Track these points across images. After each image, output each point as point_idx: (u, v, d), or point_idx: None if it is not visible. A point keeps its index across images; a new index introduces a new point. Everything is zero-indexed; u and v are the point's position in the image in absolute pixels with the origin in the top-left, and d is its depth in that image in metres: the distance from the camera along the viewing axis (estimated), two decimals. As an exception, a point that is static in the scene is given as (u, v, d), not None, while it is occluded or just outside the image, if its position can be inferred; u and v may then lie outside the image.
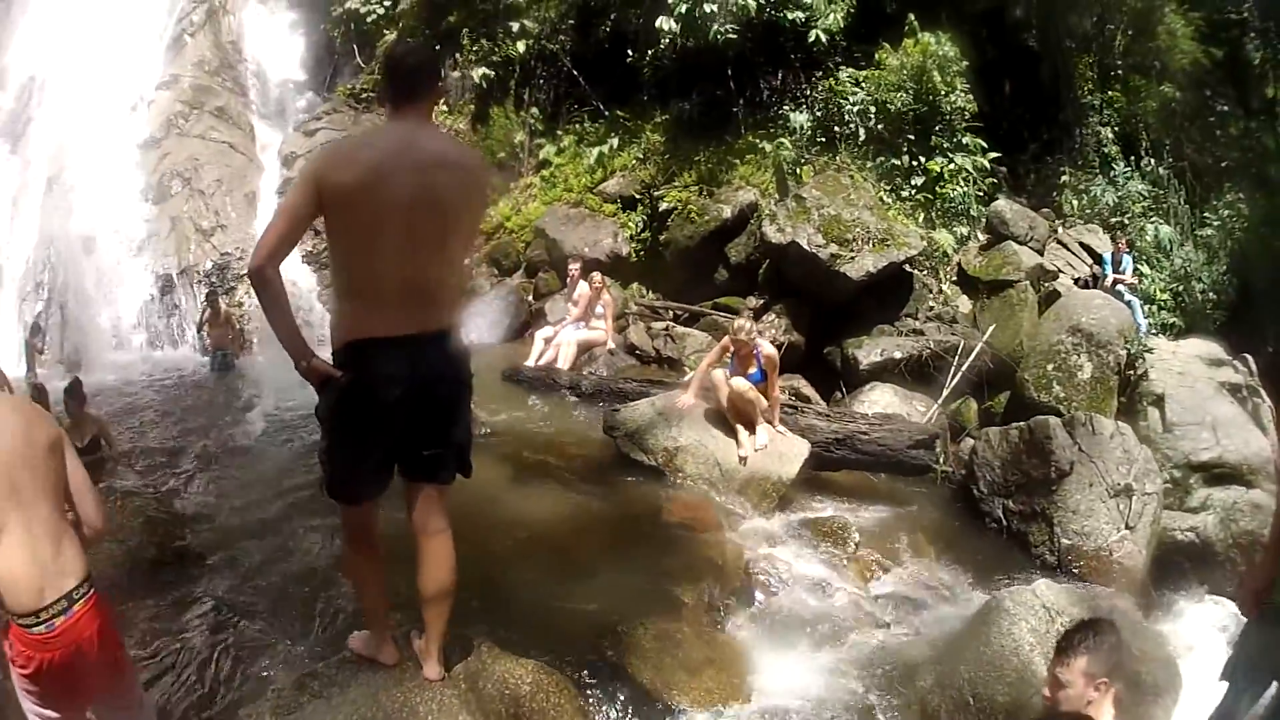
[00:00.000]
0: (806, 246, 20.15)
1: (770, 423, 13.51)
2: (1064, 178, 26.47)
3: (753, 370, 13.22)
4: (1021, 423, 13.91)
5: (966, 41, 23.88)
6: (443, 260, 6.12)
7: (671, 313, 22.51)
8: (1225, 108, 28.91)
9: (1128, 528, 12.51)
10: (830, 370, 20.05)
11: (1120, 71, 28.41)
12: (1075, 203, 26.02)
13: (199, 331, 21.90)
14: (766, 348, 13.46)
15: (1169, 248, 24.85)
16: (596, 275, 20.37)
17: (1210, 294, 23.82)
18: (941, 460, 15.73)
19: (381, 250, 5.87)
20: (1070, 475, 12.86)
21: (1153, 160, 26.79)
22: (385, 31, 28.95)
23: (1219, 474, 16.57)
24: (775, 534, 12.11)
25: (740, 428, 13.17)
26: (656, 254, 23.99)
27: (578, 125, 27.57)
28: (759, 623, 10.05)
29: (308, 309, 22.04)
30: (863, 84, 23.74)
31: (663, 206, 23.83)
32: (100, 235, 24.14)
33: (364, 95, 26.89)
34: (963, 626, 9.48)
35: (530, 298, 24.18)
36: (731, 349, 13.38)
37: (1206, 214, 26.03)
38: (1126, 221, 25.35)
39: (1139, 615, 11.08)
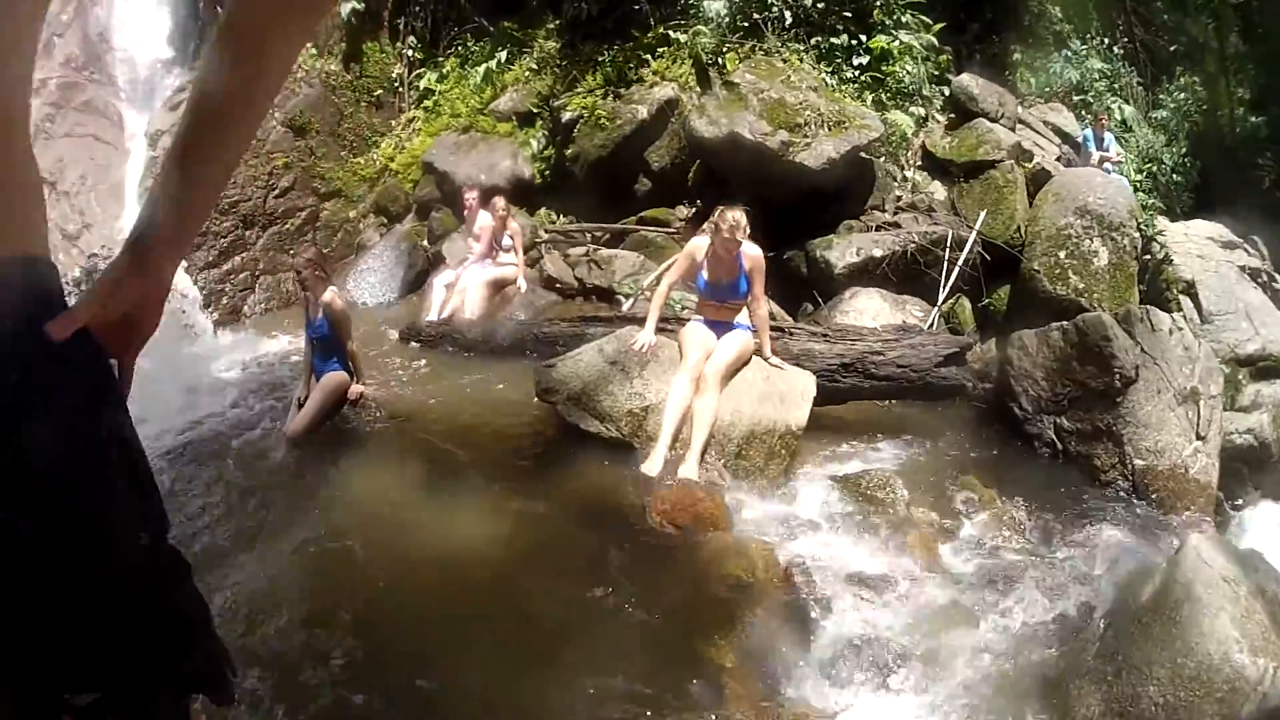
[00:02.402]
0: (750, 136, 17.01)
1: (761, 353, 10.87)
2: (1016, 55, 24.53)
3: (733, 280, 10.60)
4: (1064, 323, 11.82)
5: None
6: None
7: (590, 236, 19.87)
8: None
9: (1199, 438, 10.86)
10: (794, 280, 17.46)
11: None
12: (1033, 80, 24.46)
13: None
14: (752, 248, 10.60)
15: (1132, 128, 24.92)
16: (499, 200, 17.87)
17: (1175, 176, 24.40)
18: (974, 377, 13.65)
19: None
20: (1136, 382, 10.95)
21: (1105, 40, 26.64)
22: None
23: (1264, 367, 16.38)
24: (802, 513, 9.32)
25: (700, 401, 10.06)
26: (565, 172, 20.89)
27: (460, 48, 24.55)
28: (834, 667, 7.14)
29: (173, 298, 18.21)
30: None
31: (566, 117, 20.62)
32: None
33: None
34: (1113, 616, 7.13)
35: (425, 242, 21.34)
36: (701, 257, 10.66)
37: (1160, 95, 27.17)
38: (1091, 100, 24.77)
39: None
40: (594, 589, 7.70)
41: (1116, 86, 25.37)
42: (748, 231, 10.34)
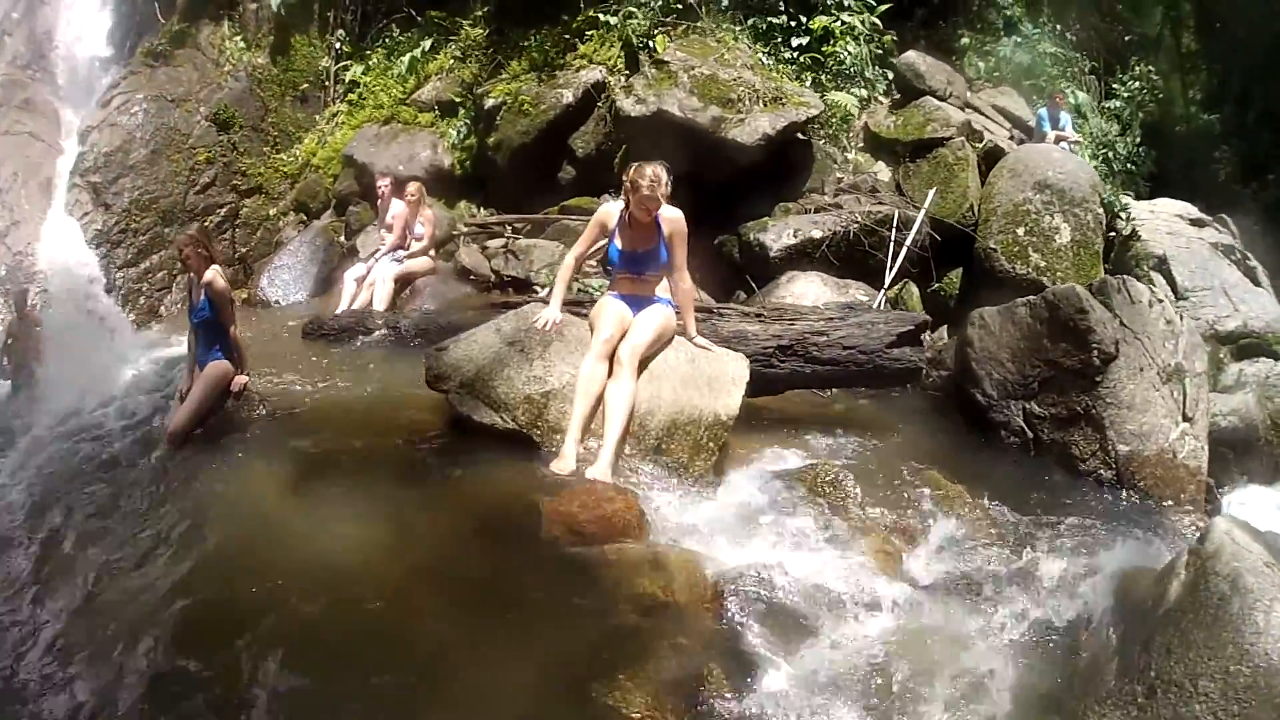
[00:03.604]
0: (678, 112, 16.44)
1: (685, 332, 9.34)
2: (964, 40, 23.46)
3: (651, 248, 9.01)
4: (1031, 297, 10.77)
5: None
6: None
7: (510, 228, 18.30)
8: None
9: (1186, 420, 10.02)
10: (727, 266, 16.67)
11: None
12: (981, 65, 23.36)
13: (5, 347, 17.38)
14: (672, 211, 9.00)
15: (1085, 115, 24.20)
16: (411, 185, 17.01)
17: (1130, 165, 23.91)
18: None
19: None
20: (1117, 359, 9.97)
21: (1059, 26, 25.94)
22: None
23: (1246, 345, 15.74)
24: (734, 517, 7.73)
25: (614, 386, 8.46)
26: (486, 161, 19.88)
27: (388, 39, 23.79)
28: (778, 715, 5.59)
29: (91, 298, 18.59)
30: None
31: (488, 104, 19.47)
32: None
33: (160, 51, 22.74)
34: (1126, 624, 6.00)
35: (342, 238, 20.45)
36: (614, 224, 9.10)
37: (1114, 85, 26.67)
38: (1043, 84, 23.70)
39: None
40: (482, 613, 6.42)
41: (1070, 72, 24.82)
42: (669, 190, 8.75)
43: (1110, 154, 22.94)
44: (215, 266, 9.96)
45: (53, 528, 8.87)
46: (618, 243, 9.02)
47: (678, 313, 9.16)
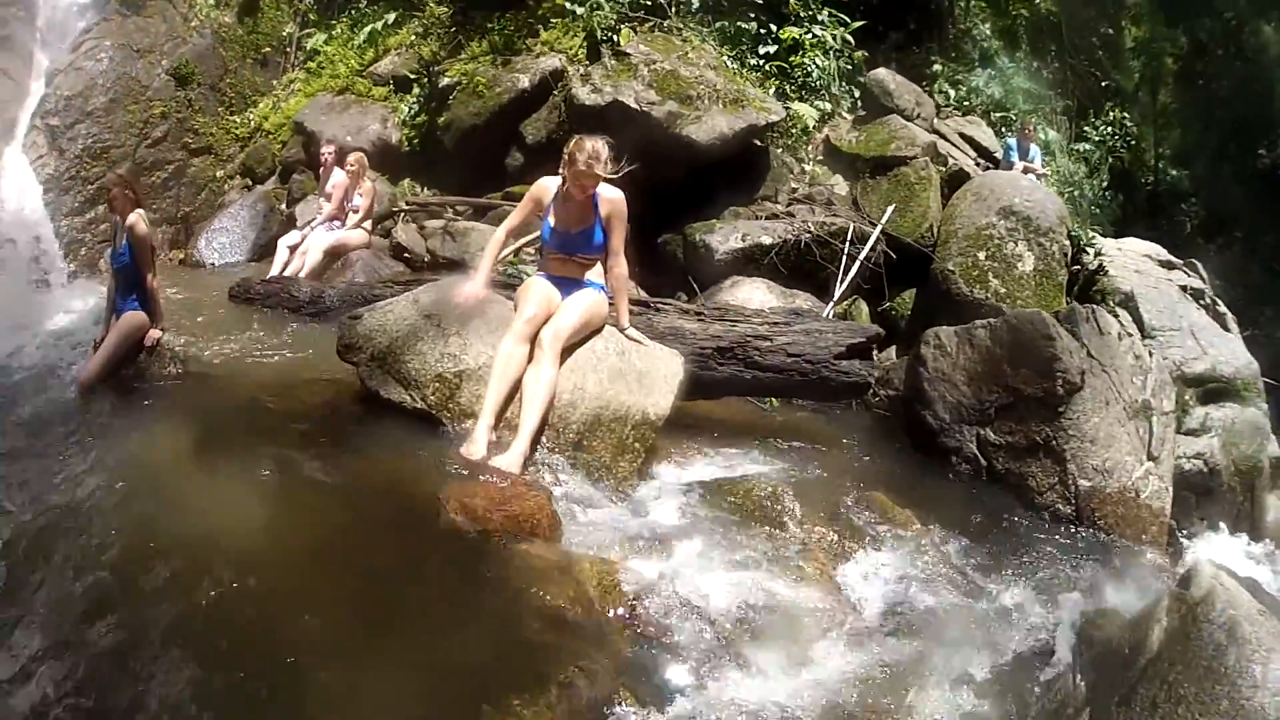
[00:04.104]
0: (634, 104, 15.74)
1: (617, 323, 8.73)
2: (936, 67, 23.07)
3: (586, 228, 8.39)
4: (991, 320, 10.48)
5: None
6: None
7: (452, 210, 17.90)
8: (1109, 31, 30.51)
9: (1151, 459, 9.79)
10: (669, 267, 16.04)
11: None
12: (951, 93, 22.86)
13: None
14: (611, 190, 8.40)
15: (1054, 153, 23.69)
16: (353, 155, 16.51)
17: (1095, 208, 23.51)
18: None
19: None
20: (1082, 390, 9.65)
21: (1035, 63, 26.07)
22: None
23: (1213, 389, 15.31)
24: (658, 525, 7.07)
25: (534, 371, 7.75)
26: (434, 140, 19.44)
27: (354, 11, 23.39)
28: None
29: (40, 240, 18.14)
30: None
31: (444, 83, 19.17)
32: None
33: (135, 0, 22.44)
34: (1098, 674, 5.57)
35: (283, 205, 19.75)
36: (550, 200, 8.50)
37: (1085, 128, 26.38)
38: (1013, 117, 22.98)
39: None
40: (370, 609, 5.55)
41: (1042, 110, 24.53)
42: (609, 167, 8.07)
43: (1077, 194, 22.57)
44: (140, 211, 9.51)
45: None
46: (551, 220, 8.39)
47: (610, 300, 8.55)
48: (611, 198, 8.25)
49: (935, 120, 20.70)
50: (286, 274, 15.16)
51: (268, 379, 9.93)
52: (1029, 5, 26.63)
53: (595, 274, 8.39)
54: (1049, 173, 20.91)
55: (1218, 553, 10.02)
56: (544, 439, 7.53)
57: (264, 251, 18.10)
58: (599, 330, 8.22)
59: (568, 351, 7.79)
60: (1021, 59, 25.04)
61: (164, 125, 19.67)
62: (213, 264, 17.61)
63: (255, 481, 6.98)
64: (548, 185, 8.46)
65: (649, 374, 8.29)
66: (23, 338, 11.60)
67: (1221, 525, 11.94)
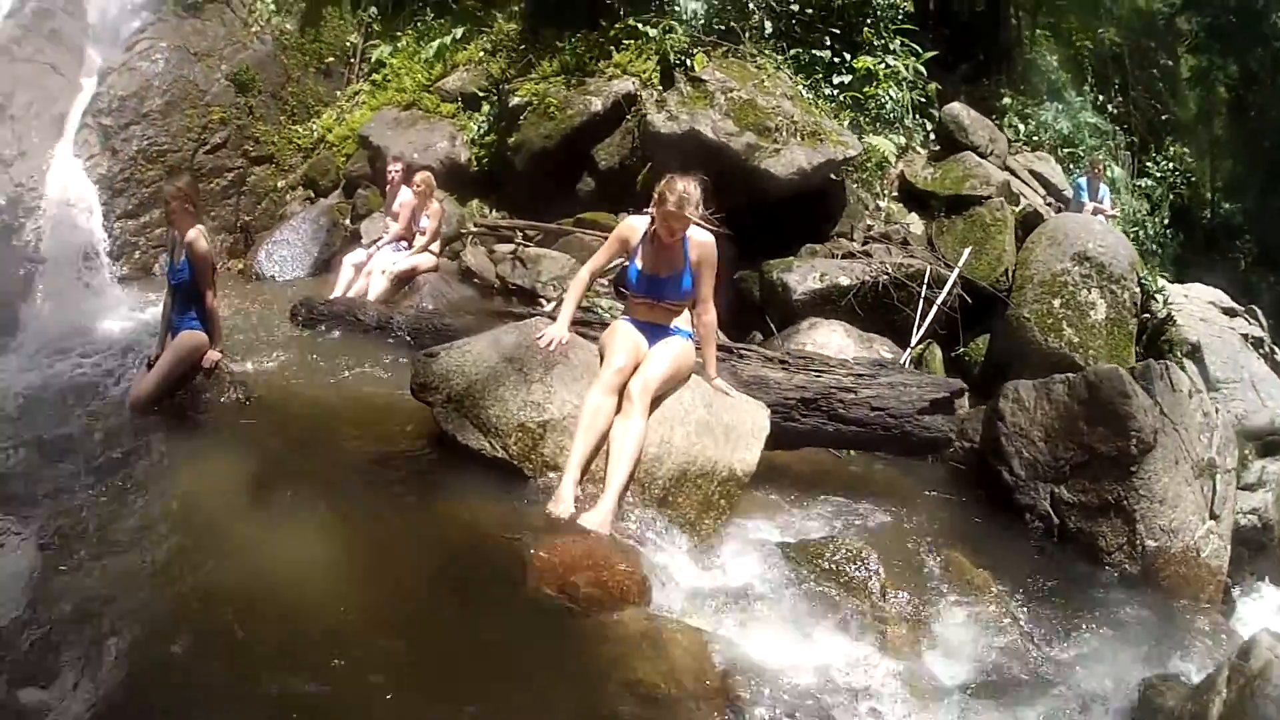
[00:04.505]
0: (711, 135, 15.19)
1: (704, 371, 8.34)
2: (1005, 100, 23.15)
3: (675, 273, 7.99)
4: (1070, 375, 10.04)
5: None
6: None
7: (521, 234, 17.37)
8: (1169, 61, 30.08)
9: (1213, 516, 9.59)
10: (746, 305, 15.38)
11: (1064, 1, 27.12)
12: (1021, 128, 22.81)
13: None
14: (703, 233, 7.99)
15: (1120, 191, 23.00)
16: (421, 174, 15.81)
17: (1155, 245, 23.15)
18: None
19: None
20: (1154, 449, 9.28)
21: (1100, 97, 25.99)
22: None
23: (1272, 442, 15.03)
24: (745, 588, 6.78)
25: (622, 424, 7.35)
26: (504, 161, 18.82)
27: (420, 24, 23.16)
28: None
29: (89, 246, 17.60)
30: None
31: (514, 102, 18.59)
32: None
33: (191, 2, 21.85)
34: None
35: (347, 220, 19.43)
36: (637, 241, 8.10)
37: (1147, 163, 26.03)
38: (1080, 154, 23.16)
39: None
40: (442, 678, 5.26)
41: (1108, 145, 24.22)
42: (700, 209, 7.72)
43: (1141, 233, 22.28)
44: (200, 227, 9.26)
45: None
46: (638, 263, 8.04)
47: (697, 347, 8.20)
48: (702, 241, 7.91)
49: (1008, 156, 20.46)
50: (351, 294, 14.86)
51: (333, 410, 9.69)
52: (1092, 36, 26.67)
53: (683, 320, 8.09)
54: (1118, 213, 20.61)
55: (1269, 606, 10.74)
56: (629, 494, 7.18)
57: (325, 267, 17.88)
58: (685, 380, 7.95)
59: (655, 402, 7.48)
60: (1088, 92, 24.89)
61: (224, 131, 19.52)
62: (272, 277, 17.27)
63: (318, 525, 6.79)
64: (635, 225, 8.15)
65: (736, 427, 8.01)
66: (71, 342, 11.98)
67: (1271, 580, 12.05)
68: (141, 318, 13.65)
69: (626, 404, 7.28)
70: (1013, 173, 20.05)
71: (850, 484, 9.59)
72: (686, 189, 7.57)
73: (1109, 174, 22.25)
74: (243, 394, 9.58)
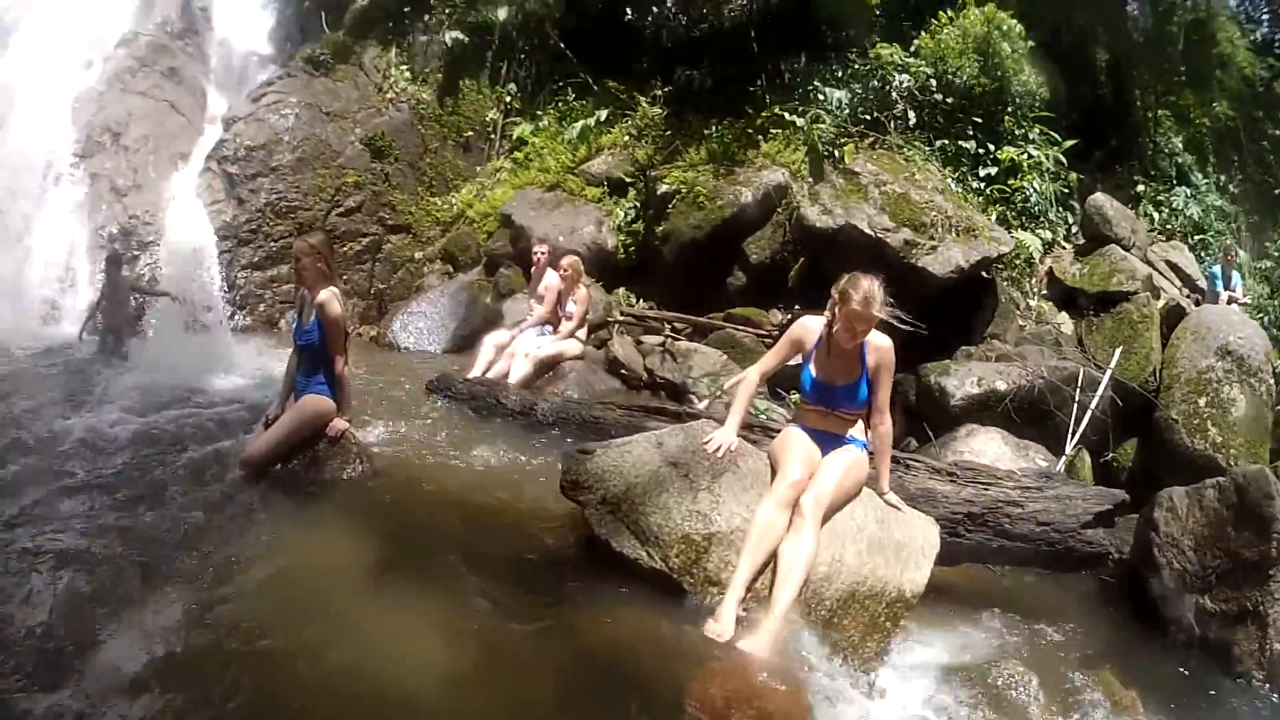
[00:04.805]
0: (867, 230, 14.97)
1: (877, 484, 7.79)
2: (1139, 187, 22.83)
3: (851, 382, 7.47)
4: (1219, 479, 9.44)
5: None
6: None
7: (669, 326, 17.18)
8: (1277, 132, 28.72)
9: None
10: (897, 406, 13.87)
11: (1182, 78, 26.68)
12: (1155, 216, 22.48)
13: (97, 306, 17.11)
14: (881, 338, 7.49)
15: (1244, 274, 22.45)
16: (569, 259, 15.32)
17: (1275, 330, 20.77)
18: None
19: None
20: None
21: (1222, 177, 25.82)
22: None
23: None
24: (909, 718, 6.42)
25: (794, 542, 6.85)
26: (652, 250, 18.93)
27: (561, 103, 23.25)
28: None
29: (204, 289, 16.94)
30: (919, 53, 19.20)
31: (661, 189, 18.71)
32: (19, 194, 20.46)
33: (321, 60, 22.66)
34: None
35: (488, 299, 19.32)
36: (812, 344, 7.61)
37: (1266, 243, 25.11)
38: (1211, 239, 23.08)
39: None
40: None
41: (1233, 228, 24.06)
42: (883, 304, 7.29)
43: (1265, 318, 21.02)
44: (333, 289, 8.98)
45: (73, 527, 7.66)
46: (813, 369, 7.62)
47: (871, 457, 7.75)
48: (880, 345, 7.50)
49: (1147, 249, 20.00)
50: (490, 375, 14.37)
51: (468, 496, 9.11)
52: (1209, 112, 26.39)
53: (857, 429, 7.66)
54: (1250, 300, 20.25)
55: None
56: (792, 614, 6.64)
57: (463, 343, 17.67)
58: (858, 494, 7.46)
59: (825, 516, 7.00)
60: (1210, 173, 24.61)
61: (358, 196, 19.79)
62: (406, 348, 17.27)
63: (439, 623, 6.40)
64: (811, 327, 7.71)
65: (907, 545, 7.51)
66: (178, 386, 11.87)
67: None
68: (256, 371, 13.63)
69: (798, 519, 6.84)
70: (1150, 264, 19.56)
71: (1005, 600, 9.10)
72: (871, 288, 7.20)
73: (1238, 260, 21.79)
74: (369, 468, 9.25)
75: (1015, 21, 19.15)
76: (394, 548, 7.54)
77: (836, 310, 7.26)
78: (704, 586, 6.72)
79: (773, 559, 6.77)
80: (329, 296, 8.77)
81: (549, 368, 14.64)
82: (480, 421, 12.13)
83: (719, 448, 7.46)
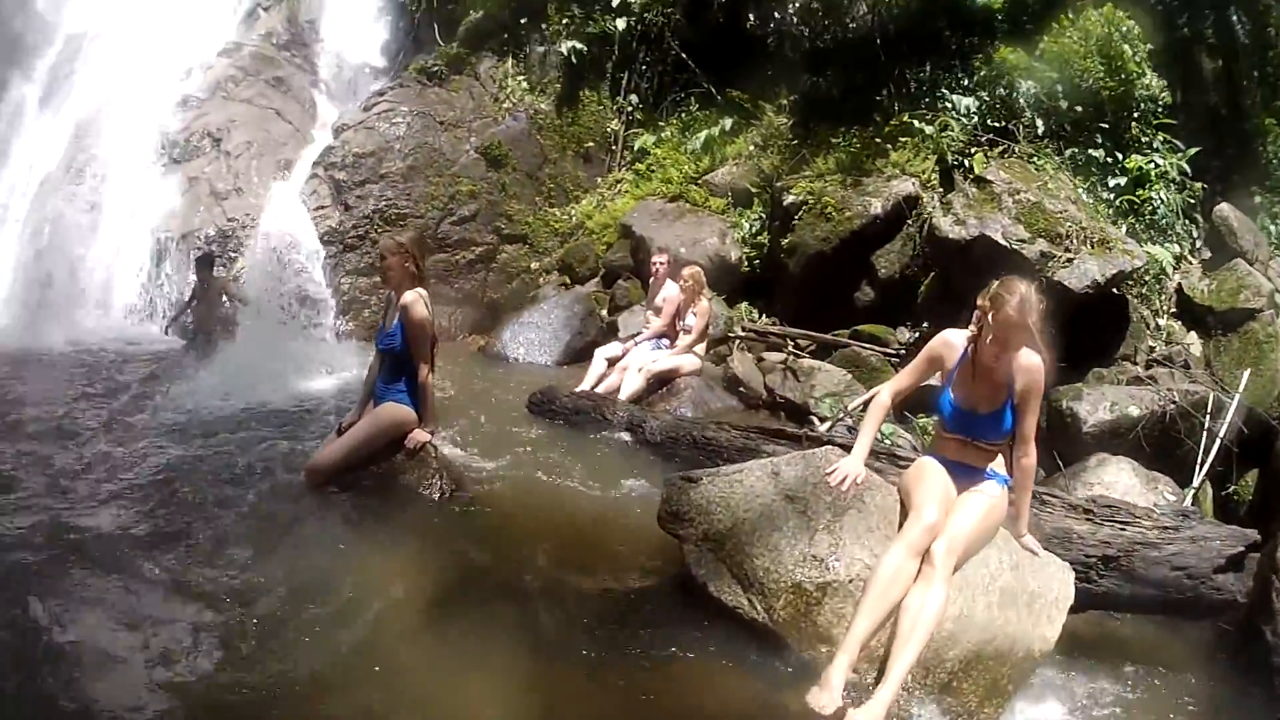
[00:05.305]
0: (1002, 240, 14.22)
1: (1015, 526, 6.86)
2: (1256, 198, 21.23)
3: (996, 410, 6.65)
4: None
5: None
6: None
7: (792, 343, 16.17)
8: None
9: None
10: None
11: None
12: (1272, 229, 20.66)
13: (187, 306, 18.05)
14: (1031, 356, 6.55)
15: None
16: (690, 269, 14.78)
17: None
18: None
19: None
20: None
21: None
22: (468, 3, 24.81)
23: None
24: None
25: (921, 594, 5.99)
26: (777, 264, 17.94)
27: (684, 114, 22.59)
28: None
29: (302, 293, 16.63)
30: (1043, 57, 18.39)
31: (788, 200, 17.74)
32: (110, 196, 21.05)
33: (435, 71, 22.42)
34: None
35: (604, 312, 18.82)
36: (953, 363, 6.78)
37: None
38: None
39: None
40: None
41: None
42: (1037, 314, 6.38)
43: None
44: (420, 290, 8.56)
45: (131, 524, 7.58)
46: (953, 393, 6.79)
47: (1010, 494, 6.84)
48: (1030, 366, 6.55)
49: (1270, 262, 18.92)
50: (600, 389, 13.86)
51: (559, 522, 8.58)
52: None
53: (998, 463, 6.81)
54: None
55: None
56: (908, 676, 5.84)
57: (575, 357, 17.23)
58: (993, 537, 6.60)
59: (958, 565, 6.16)
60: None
61: (473, 204, 19.72)
62: (515, 359, 16.85)
63: (514, 661, 5.93)
64: (953, 343, 6.82)
65: (1041, 597, 6.56)
66: (265, 388, 11.97)
67: None
68: (349, 378, 13.32)
69: (927, 568, 5.99)
70: (1271, 281, 18.22)
71: (1124, 651, 8.03)
72: (1027, 294, 6.31)
73: (1350, 275, 21.08)
74: (449, 485, 8.70)
75: (1133, 22, 18.25)
76: (461, 578, 7.18)
77: (989, 318, 6.41)
78: (811, 643, 5.94)
79: (894, 613, 5.87)
80: (414, 298, 8.40)
81: (663, 383, 14.12)
82: (582, 438, 11.53)
83: (844, 479, 6.68)
